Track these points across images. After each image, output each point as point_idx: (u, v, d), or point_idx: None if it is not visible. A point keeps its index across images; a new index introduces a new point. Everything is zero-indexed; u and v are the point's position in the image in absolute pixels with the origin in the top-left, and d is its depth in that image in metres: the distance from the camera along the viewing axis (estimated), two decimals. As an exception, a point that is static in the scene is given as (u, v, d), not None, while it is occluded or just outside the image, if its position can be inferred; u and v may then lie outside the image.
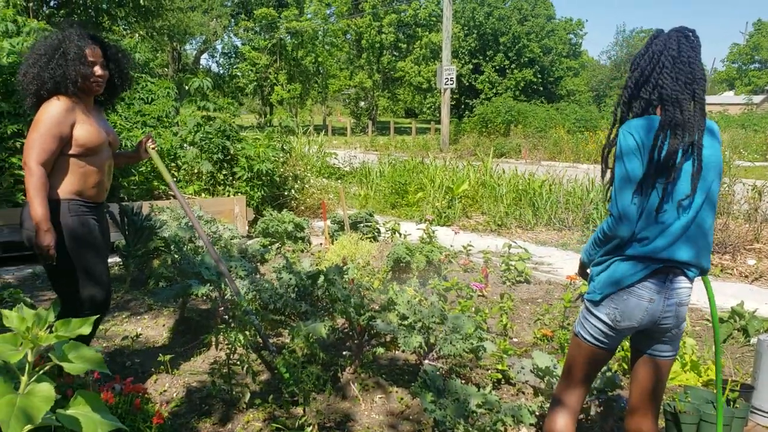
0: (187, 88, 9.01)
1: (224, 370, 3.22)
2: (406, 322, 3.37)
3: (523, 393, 3.62)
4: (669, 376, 4.12)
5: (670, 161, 2.04)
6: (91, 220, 3.16)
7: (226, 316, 4.07)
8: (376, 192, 11.03)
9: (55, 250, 2.96)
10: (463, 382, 3.51)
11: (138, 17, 16.93)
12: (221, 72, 42.63)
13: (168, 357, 3.62)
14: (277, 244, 6.97)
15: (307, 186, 9.24)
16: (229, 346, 3.14)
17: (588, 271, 2.33)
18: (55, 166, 3.06)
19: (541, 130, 23.65)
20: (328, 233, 6.97)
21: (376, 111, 45.32)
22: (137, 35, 15.43)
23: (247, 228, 7.72)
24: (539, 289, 6.00)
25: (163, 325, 4.61)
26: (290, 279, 3.68)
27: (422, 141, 27.61)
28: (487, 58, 49.59)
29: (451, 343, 3.24)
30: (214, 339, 3.94)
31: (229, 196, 8.15)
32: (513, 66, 48.88)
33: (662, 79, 2.08)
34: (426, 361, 3.47)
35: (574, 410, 2.29)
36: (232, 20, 42.79)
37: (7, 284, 5.18)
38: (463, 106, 48.87)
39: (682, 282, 2.14)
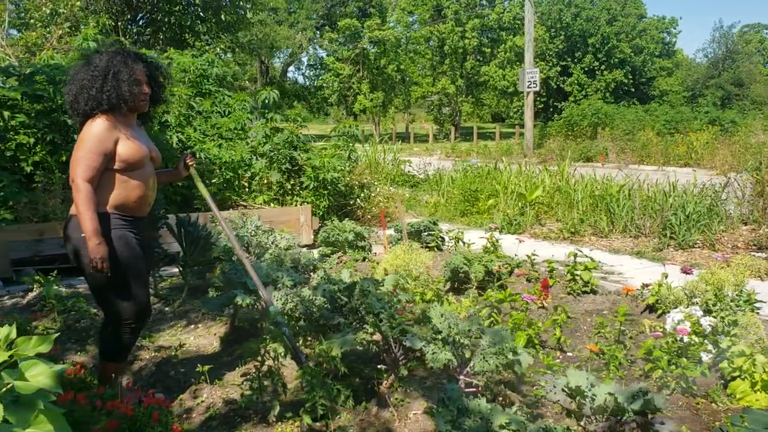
0: (256, 100, 9.21)
1: (254, 383, 3.21)
2: (439, 336, 3.26)
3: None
4: (737, 397, 3.84)
5: None
6: (128, 234, 3.23)
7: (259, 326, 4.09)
8: (447, 199, 10.88)
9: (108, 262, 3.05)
10: (500, 399, 3.37)
11: (220, 32, 17.53)
12: (307, 84, 43.59)
13: (206, 367, 3.66)
14: (339, 253, 6.98)
15: (373, 195, 9.23)
16: (258, 358, 3.13)
17: None
18: (99, 181, 3.15)
19: (628, 133, 22.73)
20: (389, 242, 6.92)
21: (459, 117, 45.02)
22: (218, 49, 15.96)
23: (312, 237, 7.78)
24: (605, 301, 5.71)
25: (215, 334, 4.68)
26: (324, 290, 3.65)
27: (505, 146, 27.13)
28: (576, 60, 48.41)
29: (484, 358, 3.10)
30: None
31: (296, 205, 8.25)
32: (603, 67, 47.49)
33: None
34: (461, 377, 3.35)
35: None
36: (317, 32, 43.68)
37: (77, 293, 5.40)
38: (551, 109, 47.91)
39: None
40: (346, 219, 7.67)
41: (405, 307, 3.93)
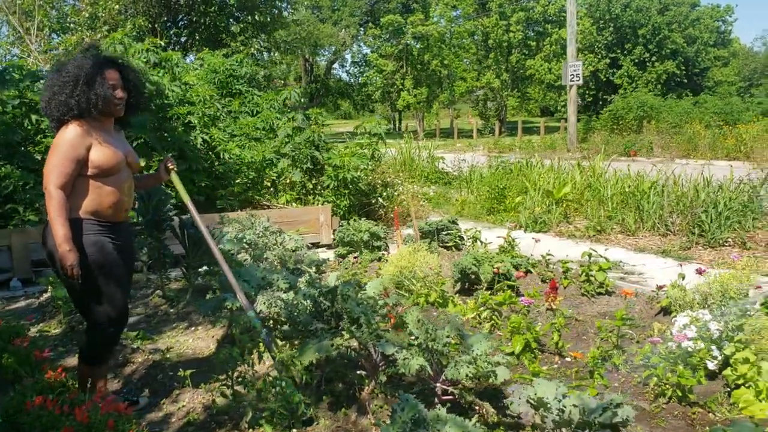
0: (277, 99, 9.23)
1: (228, 389, 3.20)
2: (416, 343, 3.19)
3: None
4: (740, 406, 3.65)
5: None
6: (104, 239, 3.23)
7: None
8: (476, 197, 10.69)
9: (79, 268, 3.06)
10: (477, 409, 3.26)
11: (254, 31, 17.65)
12: (351, 81, 43.70)
13: (188, 372, 3.66)
14: (355, 253, 6.93)
15: (395, 194, 9.12)
16: (229, 363, 3.11)
17: None
18: (73, 187, 3.16)
19: (675, 126, 22.00)
20: (404, 242, 6.84)
21: (505, 111, 44.34)
22: (253, 49, 16.06)
23: (332, 237, 7.75)
24: (620, 302, 5.49)
25: (212, 337, 4.69)
26: (305, 294, 3.60)
27: (549, 140, 26.66)
28: (625, 52, 47.15)
29: (455, 366, 3.01)
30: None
31: (317, 205, 8.24)
32: (653, 59, 46.10)
33: None
34: (438, 384, 3.26)
35: None
36: (361, 29, 43.72)
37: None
38: (600, 102, 46.73)
39: None
40: (364, 219, 7.61)
41: (393, 311, 3.85)
